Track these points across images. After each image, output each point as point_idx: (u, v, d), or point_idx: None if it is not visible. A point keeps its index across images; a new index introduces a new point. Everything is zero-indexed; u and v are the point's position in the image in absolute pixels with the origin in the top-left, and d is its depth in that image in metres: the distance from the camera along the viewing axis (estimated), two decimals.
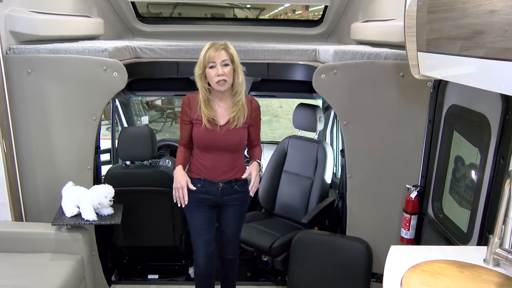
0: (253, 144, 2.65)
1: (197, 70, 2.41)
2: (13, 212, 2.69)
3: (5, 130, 2.56)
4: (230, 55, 2.39)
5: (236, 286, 3.09)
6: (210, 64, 2.36)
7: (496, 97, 1.90)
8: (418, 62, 1.89)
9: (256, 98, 2.61)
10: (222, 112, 2.48)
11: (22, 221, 2.78)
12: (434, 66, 1.81)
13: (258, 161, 2.58)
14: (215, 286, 2.91)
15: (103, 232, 3.17)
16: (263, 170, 3.88)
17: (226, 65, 2.37)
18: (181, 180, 2.45)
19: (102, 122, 3.29)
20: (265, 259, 3.55)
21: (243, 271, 3.63)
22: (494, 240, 1.61)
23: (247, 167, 2.61)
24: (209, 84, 2.43)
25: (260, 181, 3.86)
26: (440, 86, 2.50)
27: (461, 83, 1.61)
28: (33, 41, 2.68)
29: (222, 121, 2.47)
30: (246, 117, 2.49)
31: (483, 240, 1.99)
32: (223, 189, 2.56)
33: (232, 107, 2.47)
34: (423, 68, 1.88)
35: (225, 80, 2.37)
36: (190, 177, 2.56)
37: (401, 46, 2.29)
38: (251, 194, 2.49)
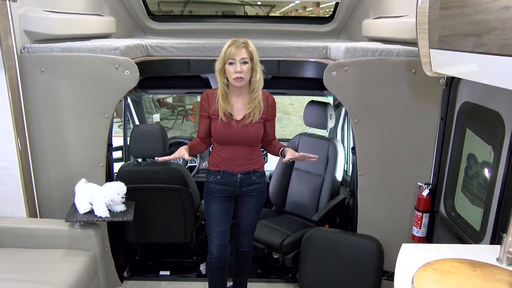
0: (270, 139, 2.69)
1: (217, 65, 2.47)
2: (27, 209, 2.74)
3: (19, 128, 2.60)
4: (250, 53, 2.44)
5: (247, 283, 3.11)
6: (230, 61, 2.42)
7: (510, 94, 1.88)
8: (430, 59, 1.87)
9: None
10: (239, 107, 2.54)
11: (37, 217, 2.82)
12: (446, 63, 1.79)
13: (285, 146, 2.63)
14: (227, 282, 2.93)
15: (115, 229, 3.20)
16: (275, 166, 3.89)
17: (245, 63, 2.42)
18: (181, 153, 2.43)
19: (114, 120, 3.32)
20: (276, 256, 3.56)
21: (254, 268, 3.63)
22: (508, 238, 1.60)
23: (264, 157, 2.66)
24: (228, 79, 2.48)
25: (270, 178, 3.89)
26: (452, 83, 2.48)
27: (475, 80, 1.59)
28: (46, 40, 2.71)
29: (238, 116, 2.53)
30: (262, 113, 2.54)
31: (496, 239, 1.97)
32: (242, 180, 2.61)
33: (248, 103, 2.52)
34: (435, 65, 1.86)
35: (242, 78, 2.42)
36: (209, 170, 2.66)
37: (413, 43, 2.27)
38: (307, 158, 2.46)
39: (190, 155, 2.52)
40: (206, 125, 2.61)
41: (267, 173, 4.39)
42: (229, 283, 3.01)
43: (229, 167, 2.60)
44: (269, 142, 2.70)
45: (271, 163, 4.29)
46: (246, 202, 2.71)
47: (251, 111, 2.51)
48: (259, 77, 2.50)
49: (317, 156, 2.48)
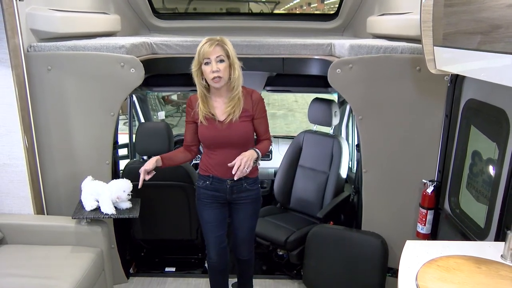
0: (261, 138, 2.57)
1: (193, 67, 2.37)
2: (34, 206, 2.77)
3: (26, 126, 2.63)
4: (226, 51, 2.33)
5: (252, 280, 3.12)
6: (205, 61, 2.31)
7: None
8: (435, 56, 1.88)
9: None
10: (221, 108, 2.44)
11: (44, 214, 2.86)
12: (450, 60, 1.80)
13: (256, 149, 2.45)
14: (231, 279, 2.95)
15: (122, 226, 3.23)
16: (278, 164, 3.90)
17: (221, 61, 2.31)
18: (145, 165, 2.39)
19: (120, 117, 3.34)
20: (281, 253, 3.57)
21: (259, 265, 3.65)
22: None
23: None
24: (206, 81, 2.39)
25: (275, 175, 3.89)
26: (457, 80, 2.48)
27: (479, 78, 1.59)
28: (52, 38, 2.74)
29: (221, 117, 2.42)
30: (243, 110, 2.42)
31: (500, 236, 1.98)
32: (232, 187, 2.52)
33: (229, 102, 2.42)
34: (440, 62, 1.87)
35: (220, 77, 2.32)
36: (200, 174, 2.58)
37: (417, 40, 2.27)
38: (235, 178, 2.35)
39: (165, 165, 2.47)
40: (191, 131, 2.53)
41: (272, 170, 4.42)
42: (234, 280, 3.03)
43: (219, 173, 2.50)
44: (258, 142, 2.57)
45: (276, 160, 4.31)
46: (240, 210, 2.62)
47: (230, 109, 2.40)
48: (238, 74, 2.37)
49: (234, 175, 2.33)
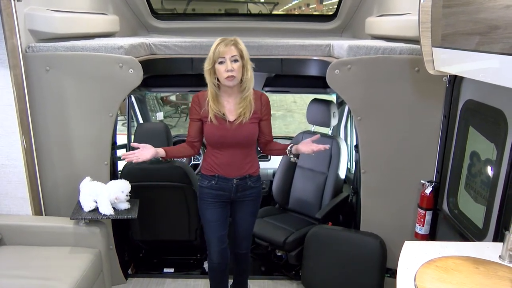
0: (268, 139, 2.61)
1: (207, 65, 2.39)
2: (33, 206, 2.76)
3: (24, 126, 2.63)
4: (240, 51, 2.37)
5: (251, 281, 3.13)
6: (220, 60, 2.34)
7: None
8: (433, 57, 1.88)
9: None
10: (231, 108, 2.46)
11: (42, 215, 2.85)
12: (449, 61, 1.80)
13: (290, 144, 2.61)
14: (231, 279, 2.95)
15: (120, 226, 3.23)
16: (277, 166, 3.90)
17: (236, 61, 2.35)
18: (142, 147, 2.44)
19: (118, 118, 3.34)
20: (279, 253, 3.57)
21: (257, 266, 3.65)
22: (510, 236, 1.60)
23: (259, 162, 2.64)
24: (218, 80, 2.41)
25: (274, 176, 3.90)
26: (455, 81, 2.48)
27: (477, 79, 1.59)
28: (51, 39, 2.73)
29: (231, 117, 2.45)
30: (253, 112, 2.47)
31: (499, 237, 1.98)
32: (237, 185, 2.56)
33: (239, 102, 2.45)
34: (438, 63, 1.87)
35: (233, 76, 2.35)
36: (204, 174, 2.59)
37: (416, 41, 2.27)
38: (315, 148, 2.47)
39: (168, 156, 2.54)
40: (196, 128, 2.54)
41: (271, 171, 4.42)
42: (230, 280, 3.03)
43: (224, 172, 2.53)
44: (267, 143, 2.62)
45: (274, 161, 4.30)
46: (242, 207, 2.66)
47: (241, 110, 2.43)
48: (250, 75, 2.41)
49: (327, 146, 2.48)
